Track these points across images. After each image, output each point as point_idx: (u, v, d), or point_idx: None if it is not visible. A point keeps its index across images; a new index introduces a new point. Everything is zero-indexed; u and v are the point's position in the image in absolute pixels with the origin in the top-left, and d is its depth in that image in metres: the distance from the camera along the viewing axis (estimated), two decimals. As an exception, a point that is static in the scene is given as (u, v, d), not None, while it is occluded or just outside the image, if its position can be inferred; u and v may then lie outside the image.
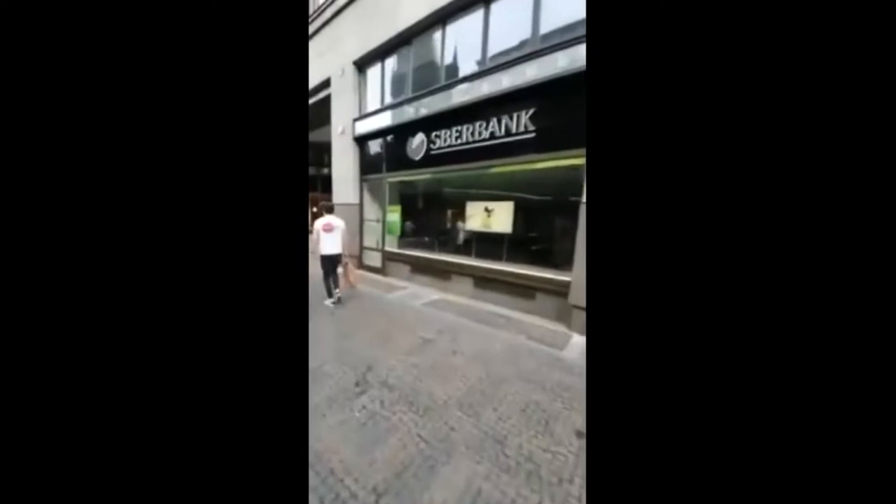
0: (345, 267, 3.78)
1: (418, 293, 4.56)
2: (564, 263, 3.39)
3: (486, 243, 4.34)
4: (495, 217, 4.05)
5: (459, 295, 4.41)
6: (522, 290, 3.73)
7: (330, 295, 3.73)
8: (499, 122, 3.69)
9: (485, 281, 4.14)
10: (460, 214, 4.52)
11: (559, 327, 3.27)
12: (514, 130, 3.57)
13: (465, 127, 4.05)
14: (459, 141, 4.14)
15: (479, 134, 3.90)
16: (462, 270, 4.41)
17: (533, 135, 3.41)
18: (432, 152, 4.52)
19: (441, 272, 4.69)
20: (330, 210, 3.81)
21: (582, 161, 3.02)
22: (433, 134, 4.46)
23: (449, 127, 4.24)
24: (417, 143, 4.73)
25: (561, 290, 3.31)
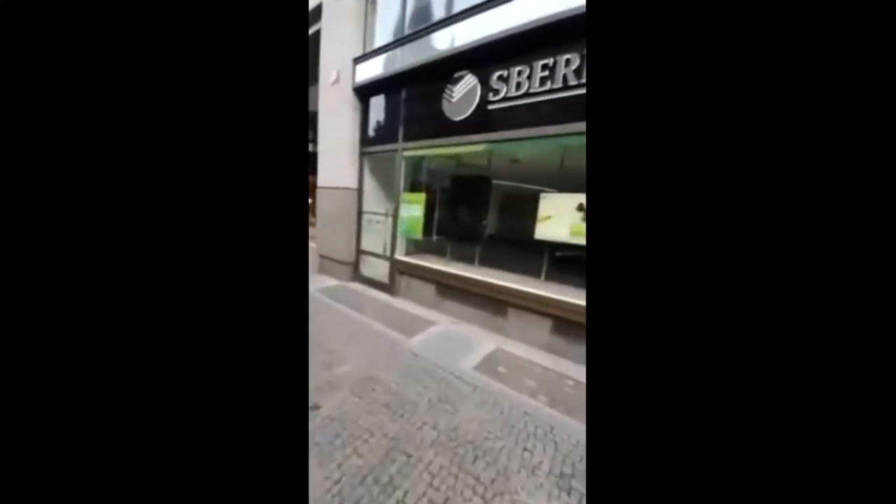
0: None
1: (456, 337, 2.83)
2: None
3: (574, 263, 2.66)
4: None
5: (527, 344, 2.72)
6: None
7: None
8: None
9: (572, 326, 2.47)
10: (527, 213, 2.79)
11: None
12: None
13: (564, 58, 2.30)
14: (550, 85, 2.39)
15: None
16: (530, 304, 2.71)
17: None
18: (491, 106, 2.75)
19: (489, 302, 2.98)
20: None
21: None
22: (496, 75, 2.68)
23: (530, 62, 2.48)
24: (463, 93, 2.94)
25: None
